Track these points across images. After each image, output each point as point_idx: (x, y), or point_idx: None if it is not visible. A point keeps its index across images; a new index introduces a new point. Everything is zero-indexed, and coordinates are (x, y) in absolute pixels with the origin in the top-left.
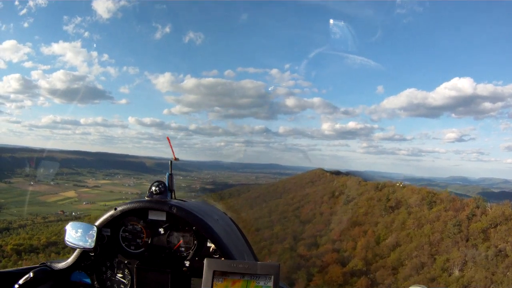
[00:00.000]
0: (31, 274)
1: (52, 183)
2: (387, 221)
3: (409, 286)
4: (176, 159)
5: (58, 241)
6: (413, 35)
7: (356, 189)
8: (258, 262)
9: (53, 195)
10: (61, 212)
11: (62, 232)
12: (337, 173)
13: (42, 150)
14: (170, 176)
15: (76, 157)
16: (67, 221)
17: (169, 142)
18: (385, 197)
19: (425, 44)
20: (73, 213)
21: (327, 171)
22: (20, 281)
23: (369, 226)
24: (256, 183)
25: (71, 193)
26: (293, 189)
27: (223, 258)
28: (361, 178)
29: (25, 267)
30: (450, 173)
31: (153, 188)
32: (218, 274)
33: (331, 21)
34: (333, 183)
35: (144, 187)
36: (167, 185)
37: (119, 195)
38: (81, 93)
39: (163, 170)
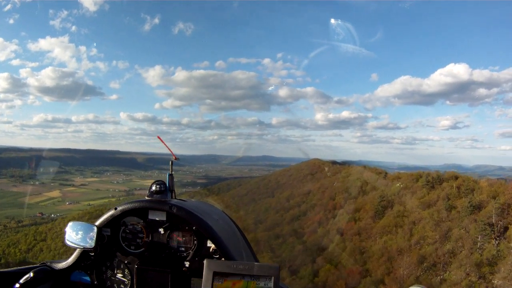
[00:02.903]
0: (31, 274)
1: (37, 183)
2: None
3: (409, 286)
4: (176, 158)
5: None
6: (407, 21)
7: (385, 185)
8: (258, 263)
9: (36, 195)
10: (39, 215)
11: (21, 241)
12: (334, 163)
13: (30, 149)
14: (171, 176)
15: (65, 155)
16: (42, 224)
17: (162, 141)
18: (465, 200)
19: (420, 30)
20: (52, 215)
21: (325, 162)
22: (21, 281)
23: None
24: (249, 176)
25: (55, 193)
26: (289, 184)
27: (223, 258)
28: (380, 168)
29: (25, 267)
30: (444, 161)
31: (153, 187)
32: (218, 275)
33: (323, 9)
34: (341, 175)
35: (133, 183)
36: (167, 185)
37: (106, 193)
38: (71, 90)
39: (154, 165)
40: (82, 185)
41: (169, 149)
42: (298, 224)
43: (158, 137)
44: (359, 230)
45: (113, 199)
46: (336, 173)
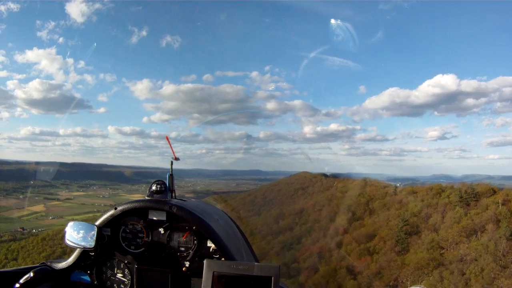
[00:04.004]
0: (31, 274)
1: (21, 196)
2: None
3: (409, 286)
4: (176, 158)
5: None
6: (395, 33)
7: (398, 201)
8: (259, 263)
9: (19, 209)
10: (20, 230)
11: None
12: (324, 176)
13: (16, 162)
14: (171, 176)
15: (51, 168)
16: (21, 240)
17: (169, 141)
18: None
19: (408, 42)
20: (34, 230)
21: (317, 175)
22: (21, 281)
23: None
24: (237, 190)
25: (39, 207)
26: (278, 200)
27: (223, 258)
28: (380, 181)
29: (25, 266)
30: (432, 171)
31: (154, 187)
32: (218, 275)
33: (311, 23)
34: (337, 190)
35: (120, 198)
36: (167, 185)
37: (91, 208)
38: (58, 102)
39: (142, 179)
40: (67, 199)
41: (172, 149)
42: (290, 256)
43: (167, 138)
44: (379, 270)
45: (98, 214)
46: (329, 187)
